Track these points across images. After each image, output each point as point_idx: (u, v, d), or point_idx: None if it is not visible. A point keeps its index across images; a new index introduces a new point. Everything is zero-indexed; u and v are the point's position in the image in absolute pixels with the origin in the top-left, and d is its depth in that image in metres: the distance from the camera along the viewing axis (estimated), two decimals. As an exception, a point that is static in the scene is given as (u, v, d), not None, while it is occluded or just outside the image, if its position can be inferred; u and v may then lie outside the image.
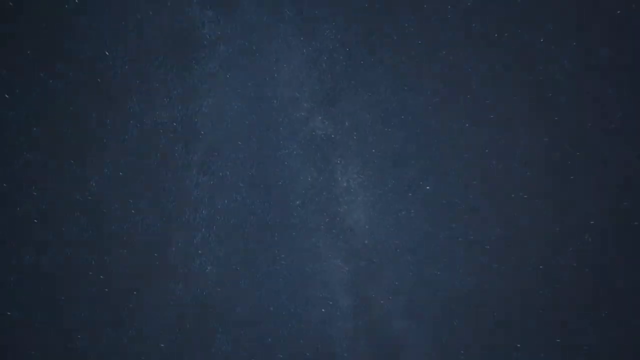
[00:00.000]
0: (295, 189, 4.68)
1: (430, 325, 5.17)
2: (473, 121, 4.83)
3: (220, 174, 4.45)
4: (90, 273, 4.17)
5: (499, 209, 5.03)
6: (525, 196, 4.96)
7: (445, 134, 4.81)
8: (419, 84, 4.66)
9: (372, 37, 4.48)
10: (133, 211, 4.29)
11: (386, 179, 4.81)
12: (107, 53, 3.96)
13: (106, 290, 4.28)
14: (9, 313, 4.08)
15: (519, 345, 4.97)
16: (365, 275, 4.94)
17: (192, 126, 4.29)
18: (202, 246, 4.49)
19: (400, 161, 4.80)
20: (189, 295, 4.49)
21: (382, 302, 4.97)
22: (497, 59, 4.64)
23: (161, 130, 4.22)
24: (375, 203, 4.84)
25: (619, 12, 4.28)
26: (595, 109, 4.58)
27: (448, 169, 4.88)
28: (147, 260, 4.38)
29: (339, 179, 4.73)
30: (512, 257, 5.05)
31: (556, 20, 4.42)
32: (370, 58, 4.56)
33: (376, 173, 4.78)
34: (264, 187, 4.57)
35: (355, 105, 4.60)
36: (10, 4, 3.23)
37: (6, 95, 3.45)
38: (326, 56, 4.47)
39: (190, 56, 4.11)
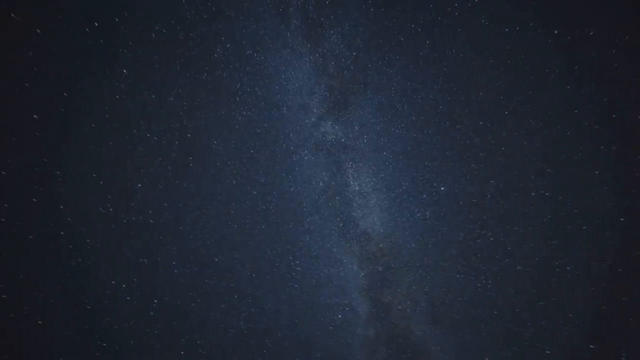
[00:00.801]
0: (308, 194, 4.70)
1: (453, 331, 5.01)
2: (487, 119, 4.72)
3: (234, 181, 4.54)
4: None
5: (519, 207, 4.86)
6: (547, 194, 4.77)
7: (458, 133, 4.72)
8: (429, 84, 4.61)
9: (379, 40, 4.49)
10: (151, 221, 4.44)
11: (399, 181, 4.75)
12: (125, 71, 4.16)
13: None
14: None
15: (548, 352, 4.73)
16: (382, 280, 4.86)
17: (204, 135, 4.42)
18: (215, 254, 4.57)
19: (413, 163, 4.74)
20: (203, 301, 4.56)
21: (400, 307, 4.87)
22: (509, 55, 4.54)
23: (173, 138, 4.37)
24: (389, 206, 4.79)
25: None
26: (619, 104, 4.38)
27: (463, 169, 4.77)
28: (166, 270, 4.50)
29: (352, 183, 4.72)
30: (537, 258, 4.84)
31: (570, 15, 4.29)
32: (378, 61, 4.57)
33: (389, 176, 4.73)
34: (277, 194, 4.62)
35: (364, 109, 4.60)
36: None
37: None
38: (334, 62, 4.52)
39: (200, 68, 4.26)
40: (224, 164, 4.52)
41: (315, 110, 4.57)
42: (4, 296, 4.13)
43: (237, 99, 4.44)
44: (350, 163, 4.65)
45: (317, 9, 4.36)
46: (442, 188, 4.75)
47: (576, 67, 4.56)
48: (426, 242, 4.82)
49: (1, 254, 3.95)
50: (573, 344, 4.63)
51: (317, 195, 4.70)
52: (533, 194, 4.84)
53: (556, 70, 4.62)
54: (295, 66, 4.47)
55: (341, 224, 4.74)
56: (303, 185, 4.65)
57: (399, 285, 4.83)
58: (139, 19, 4.14)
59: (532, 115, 4.76)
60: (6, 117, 3.88)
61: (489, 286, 5.00)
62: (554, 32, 4.49)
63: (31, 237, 4.17)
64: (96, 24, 4.12)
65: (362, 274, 4.80)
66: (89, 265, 4.36)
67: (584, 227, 4.66)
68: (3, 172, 3.90)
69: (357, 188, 4.68)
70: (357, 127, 4.60)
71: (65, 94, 4.11)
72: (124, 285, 4.46)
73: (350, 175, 4.67)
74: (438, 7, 4.47)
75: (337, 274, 4.76)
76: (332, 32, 4.41)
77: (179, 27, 4.25)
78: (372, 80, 4.55)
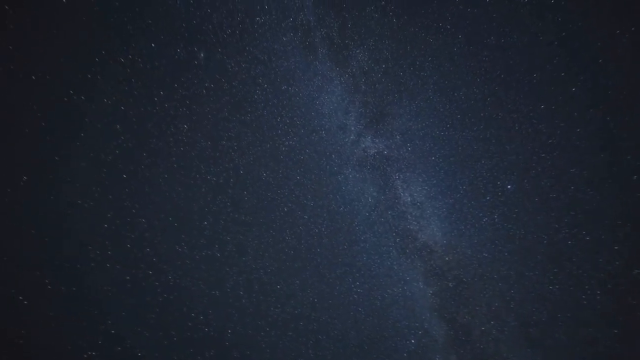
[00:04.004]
0: (359, 212, 4.61)
1: (559, 357, 4.14)
2: (549, 101, 4.15)
3: (285, 208, 4.72)
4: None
5: (618, 197, 4.00)
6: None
7: (516, 123, 4.22)
8: (469, 78, 4.31)
9: (407, 47, 4.43)
10: (218, 254, 4.82)
11: (455, 186, 4.36)
12: (185, 126, 4.86)
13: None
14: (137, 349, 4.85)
15: None
16: (456, 296, 4.35)
17: (254, 170, 4.77)
18: (276, 281, 4.69)
19: (468, 163, 4.33)
20: (272, 329, 4.63)
21: (483, 328, 4.24)
22: (563, 26, 4.03)
23: (229, 176, 4.80)
24: (448, 214, 4.39)
25: None
26: None
27: (531, 161, 4.18)
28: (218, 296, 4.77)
29: (402, 194, 4.49)
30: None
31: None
32: (409, 67, 4.47)
33: (442, 181, 4.39)
34: (327, 216, 4.63)
35: (403, 117, 4.47)
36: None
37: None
38: (364, 78, 4.57)
39: (244, 111, 4.72)
40: (275, 193, 4.76)
41: (353, 128, 4.61)
42: (111, 331, 4.82)
43: (279, 131, 4.75)
44: (397, 174, 4.47)
45: (340, 34, 4.55)
46: (509, 186, 4.21)
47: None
48: (501, 250, 4.23)
49: (91, 285, 4.68)
50: None
51: (367, 212, 4.58)
52: (635, 177, 3.97)
53: (627, 34, 3.93)
54: (327, 90, 4.64)
55: (398, 239, 4.48)
56: (352, 204, 4.59)
57: (477, 301, 4.26)
58: (192, 78, 4.84)
59: (610, 85, 4.05)
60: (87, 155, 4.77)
61: (598, 297, 4.09)
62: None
63: (127, 277, 4.88)
64: (162, 92, 4.94)
65: (431, 291, 4.37)
66: (173, 300, 4.87)
67: None
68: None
69: (408, 199, 4.43)
70: (398, 137, 4.46)
71: (144, 153, 4.92)
72: (201, 317, 4.84)
73: (399, 187, 4.47)
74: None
75: (402, 294, 4.43)
76: (358, 51, 4.52)
77: (223, 80, 4.83)
78: (406, 87, 4.45)
